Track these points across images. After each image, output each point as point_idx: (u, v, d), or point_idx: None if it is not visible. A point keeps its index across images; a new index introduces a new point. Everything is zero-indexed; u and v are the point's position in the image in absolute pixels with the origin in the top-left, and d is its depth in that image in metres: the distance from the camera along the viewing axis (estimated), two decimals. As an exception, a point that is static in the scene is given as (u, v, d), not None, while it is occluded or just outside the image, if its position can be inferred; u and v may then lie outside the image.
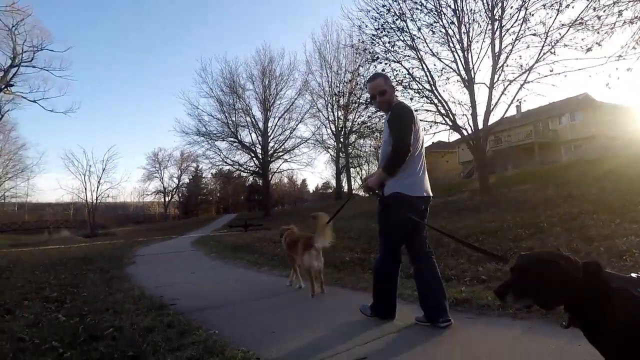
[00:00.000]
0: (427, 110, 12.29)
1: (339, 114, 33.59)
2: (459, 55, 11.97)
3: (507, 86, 11.72)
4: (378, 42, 11.97)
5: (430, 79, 11.93)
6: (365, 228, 9.51)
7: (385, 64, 11.95)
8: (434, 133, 12.65)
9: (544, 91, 21.96)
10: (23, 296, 4.48)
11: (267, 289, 4.54)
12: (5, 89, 27.04)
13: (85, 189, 45.48)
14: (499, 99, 11.88)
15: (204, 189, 58.21)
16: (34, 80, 52.34)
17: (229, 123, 33.01)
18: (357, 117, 29.52)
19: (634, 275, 1.15)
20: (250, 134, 34.24)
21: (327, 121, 34.62)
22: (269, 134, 33.81)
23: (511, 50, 11.42)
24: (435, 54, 11.95)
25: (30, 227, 40.75)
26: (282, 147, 34.58)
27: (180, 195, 57.66)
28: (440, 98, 12.03)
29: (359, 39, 12.94)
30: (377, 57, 11.93)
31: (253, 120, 33.85)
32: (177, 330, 2.71)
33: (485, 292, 3.33)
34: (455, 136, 13.82)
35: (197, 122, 33.60)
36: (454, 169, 33.00)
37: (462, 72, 12.02)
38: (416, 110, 10.94)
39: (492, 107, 11.90)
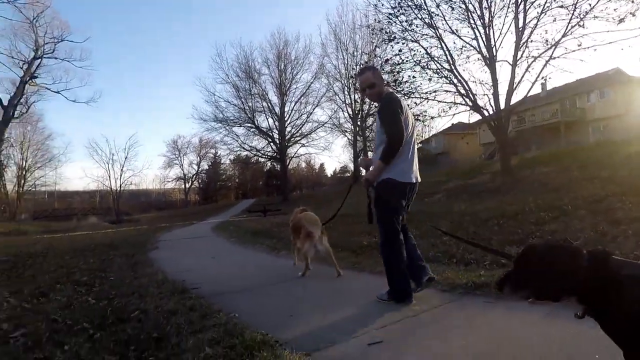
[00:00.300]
0: (447, 91, 11.95)
1: (356, 96, 33.12)
2: (479, 32, 11.52)
3: (531, 63, 11.24)
4: (395, 21, 11.62)
5: (449, 58, 11.55)
6: (383, 212, 9.49)
7: (403, 43, 11.64)
8: (454, 114, 12.32)
9: (572, 67, 20.97)
10: (56, 280, 4.71)
11: (284, 273, 4.60)
12: (30, 81, 27.92)
13: (109, 176, 47.06)
14: (522, 76, 11.42)
15: (223, 175, 59.10)
16: (57, 72, 53.61)
17: (246, 109, 33.17)
18: (374, 99, 29.01)
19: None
20: (267, 119, 34.35)
21: (344, 104, 34.24)
22: (285, 119, 33.81)
23: (536, 24, 10.88)
24: (455, 31, 11.52)
25: (59, 214, 42.57)
26: (299, 131, 34.60)
27: (199, 181, 58.82)
28: (460, 78, 11.66)
29: (375, 19, 12.60)
30: (394, 37, 11.60)
31: (269, 105, 33.89)
32: (198, 313, 2.80)
33: (505, 276, 3.27)
34: (476, 117, 13.46)
35: (214, 109, 33.96)
36: (474, 150, 32.27)
37: (483, 50, 11.58)
38: (435, 91, 10.70)
39: (515, 85, 11.46)
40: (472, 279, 3.25)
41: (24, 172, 41.31)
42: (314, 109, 34.51)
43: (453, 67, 11.53)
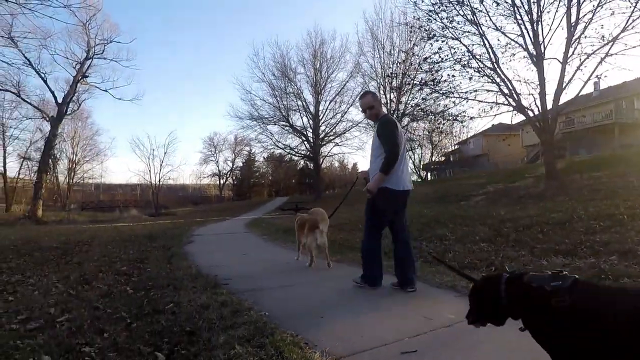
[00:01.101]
0: (488, 91, 11.41)
1: (392, 96, 32.59)
2: (526, 28, 10.89)
3: (584, 60, 10.46)
4: (435, 18, 11.26)
5: (492, 55, 11.03)
6: (417, 214, 9.23)
7: (442, 41, 11.25)
8: (495, 115, 11.78)
9: (631, 65, 19.41)
10: (98, 268, 4.96)
11: (316, 273, 4.57)
12: (82, 80, 29.72)
13: (150, 171, 49.30)
14: (573, 75, 10.68)
15: (257, 172, 60.27)
16: (105, 71, 57.22)
17: (281, 107, 33.52)
18: (410, 99, 28.47)
19: (549, 272, 1.28)
20: (302, 117, 34.53)
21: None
22: (320, 118, 33.83)
23: (591, 19, 10.11)
24: (499, 28, 10.98)
25: (104, 205, 45.14)
26: (333, 130, 34.50)
27: (234, 178, 60.34)
28: (503, 76, 11.10)
29: (414, 16, 12.28)
30: (434, 35, 11.25)
31: (304, 103, 34.04)
32: (230, 309, 2.81)
33: (551, 289, 3.05)
34: (520, 118, 12.79)
35: (249, 107, 34.55)
36: (516, 153, 30.77)
37: (530, 47, 10.94)
38: (475, 91, 10.29)
39: (564, 84, 10.74)
40: (513, 290, 3.05)
41: (74, 165, 44.27)
42: (348, 108, 34.30)
43: (496, 66, 11.00)
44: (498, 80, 11.18)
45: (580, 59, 10.52)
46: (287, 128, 34.46)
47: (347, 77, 33.50)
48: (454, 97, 11.66)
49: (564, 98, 11.47)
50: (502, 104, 11.40)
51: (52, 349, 2.18)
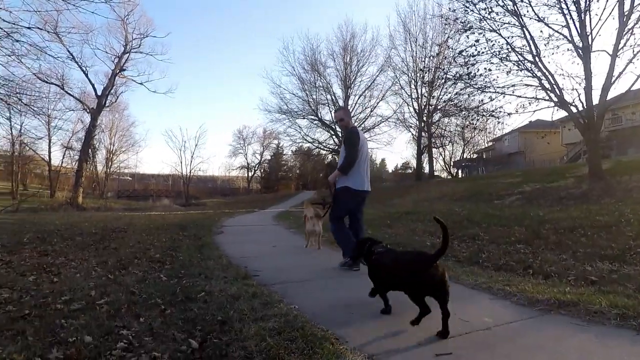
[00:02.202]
0: (527, 85, 10.86)
1: (423, 90, 31.85)
2: (573, 19, 10.23)
3: (637, 53, 9.73)
4: (472, 10, 10.81)
5: (534, 48, 10.46)
6: (448, 211, 9.00)
7: (479, 33, 10.78)
8: (534, 111, 11.17)
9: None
10: (134, 255, 5.15)
11: (343, 269, 4.53)
12: (120, 73, 30.97)
13: (181, 162, 50.96)
14: (624, 69, 9.95)
15: (284, 166, 60.83)
16: (141, 65, 59.44)
17: (310, 101, 33.62)
18: (442, 94, 27.71)
19: (382, 244, 2.89)
20: (331, 111, 34.44)
21: (410, 99, 33.09)
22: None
23: (647, 7, 9.38)
24: (542, 19, 10.38)
25: (138, 194, 47.14)
26: (362, 125, 34.21)
27: (262, 170, 61.21)
28: (544, 70, 10.52)
29: (449, 7, 11.85)
30: (470, 27, 10.79)
31: (333, 97, 33.97)
32: (260, 300, 2.83)
33: (598, 296, 2.87)
34: (561, 114, 12.12)
35: (279, 100, 34.89)
36: (555, 151, 29.29)
37: (576, 39, 10.30)
38: (513, 85, 9.82)
39: (613, 79, 10.04)
40: (555, 296, 2.90)
41: (111, 155, 46.49)
42: (378, 103, 33.96)
43: (537, 59, 10.43)
44: (539, 74, 10.61)
45: (633, 51, 9.78)
46: (315, 122, 34.56)
47: (377, 71, 33.17)
48: (489, 91, 11.19)
49: (612, 93, 10.75)
50: (542, 99, 10.82)
51: (93, 330, 2.27)
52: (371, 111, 33.95)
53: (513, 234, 5.81)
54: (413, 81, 32.18)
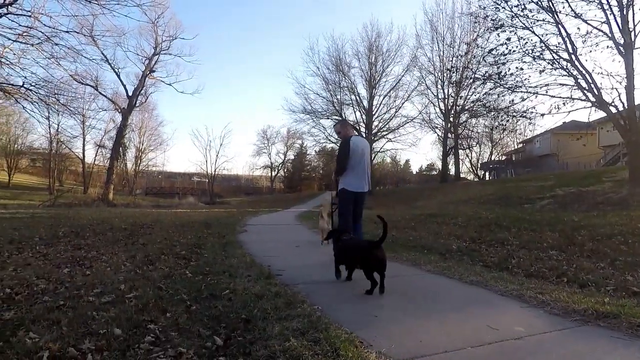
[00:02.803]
0: (562, 85, 10.38)
1: (450, 91, 31.18)
2: (613, 14, 9.70)
3: (684, 49, 9.11)
4: (503, 7, 10.44)
5: (570, 46, 9.99)
6: (474, 215, 8.75)
7: (511, 31, 10.40)
8: (569, 111, 10.64)
9: None
10: (161, 251, 5.28)
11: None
12: (150, 74, 32.03)
13: (206, 161, 52.07)
14: (670, 66, 9.33)
15: (308, 166, 61.10)
16: (170, 66, 61.23)
17: (334, 101, 33.58)
18: (470, 94, 27.03)
19: (348, 234, 3.81)
20: (355, 112, 34.33)
21: (436, 99, 32.50)
22: (373, 113, 33.38)
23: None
24: (579, 15, 9.90)
25: (165, 192, 48.55)
26: (387, 126, 33.92)
27: (285, 170, 61.71)
28: (581, 69, 10.02)
29: (479, 5, 11.51)
30: (501, 25, 10.44)
31: (358, 98, 33.80)
32: (283, 300, 2.82)
33: (641, 307, 2.68)
34: (598, 115, 11.53)
35: (303, 101, 35.06)
36: (591, 153, 27.91)
37: (617, 35, 9.75)
38: (547, 85, 9.37)
39: (656, 77, 9.44)
40: (593, 306, 2.74)
41: (140, 154, 48.12)
42: (403, 103, 33.52)
43: (573, 57, 9.95)
44: (575, 72, 10.11)
45: (679, 48, 9.17)
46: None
47: (403, 71, 32.75)
48: (521, 91, 10.78)
49: (657, 92, 10.10)
50: (578, 99, 10.31)
51: (122, 323, 2.33)
52: (396, 112, 33.56)
53: (545, 240, 5.57)
54: (440, 81, 31.61)
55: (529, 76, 10.52)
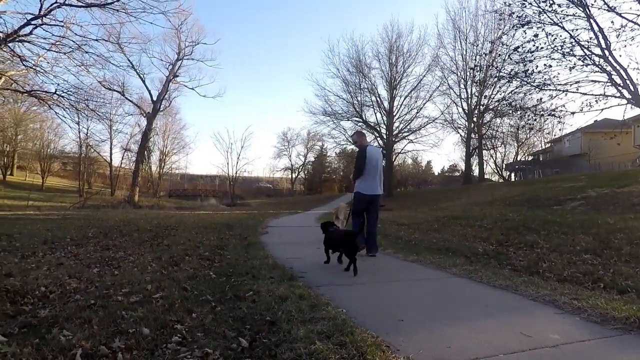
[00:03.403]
0: (594, 81, 9.92)
1: (474, 90, 30.52)
2: (653, 4, 9.17)
3: None
4: (530, 3, 10.10)
5: (603, 41, 9.55)
6: (501, 217, 8.49)
7: (538, 28, 10.03)
8: (601, 109, 10.16)
9: None
10: (185, 252, 5.37)
11: (391, 272, 4.41)
12: (173, 79, 32.88)
13: (227, 163, 52.88)
14: None
15: (328, 168, 61.08)
16: (192, 71, 62.75)
17: (354, 103, 33.48)
18: (495, 93, 26.36)
19: (336, 226, 4.97)
20: (375, 113, 34.14)
21: (459, 99, 31.92)
22: (394, 114, 33.07)
23: None
24: (613, 8, 9.44)
25: (188, 194, 49.50)
26: (408, 127, 33.53)
27: (305, 172, 61.92)
28: (615, 64, 9.55)
29: (504, 2, 11.17)
30: (528, 21, 10.09)
31: (378, 99, 33.58)
32: (307, 302, 2.79)
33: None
34: (634, 112, 10.95)
35: (323, 103, 35.10)
36: (626, 153, 26.63)
37: (655, 28, 9.23)
38: (577, 82, 8.93)
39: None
40: (635, 314, 2.58)
41: (164, 157, 49.45)
42: (424, 104, 33.07)
43: (607, 52, 9.50)
44: (608, 68, 9.64)
45: None
46: (360, 124, 34.30)
47: (424, 71, 32.34)
48: (549, 89, 10.38)
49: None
50: (612, 96, 9.83)
51: (150, 323, 2.36)
52: (417, 112, 33.14)
53: (578, 243, 5.33)
54: (462, 80, 31.02)
55: (558, 73, 10.16)
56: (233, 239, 6.94)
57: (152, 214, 15.29)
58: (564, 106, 10.29)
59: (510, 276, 4.01)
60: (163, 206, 29.88)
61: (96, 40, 13.94)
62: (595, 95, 9.90)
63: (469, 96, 31.21)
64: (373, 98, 33.55)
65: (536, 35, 9.85)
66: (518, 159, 42.28)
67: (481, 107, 30.19)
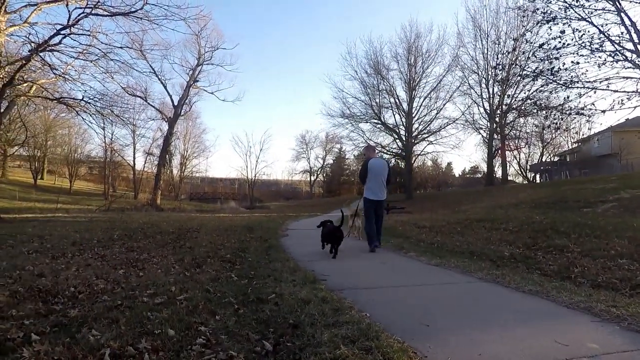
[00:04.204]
0: (626, 78, 9.49)
1: (496, 89, 29.81)
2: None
3: None
4: (556, -2, 9.75)
5: (635, 35, 9.13)
6: (527, 219, 8.21)
7: (564, 23, 9.68)
8: (634, 107, 9.69)
9: None
10: (207, 254, 5.42)
11: (414, 275, 4.32)
12: (193, 84, 33.53)
13: (247, 166, 53.49)
14: None
15: (347, 170, 60.81)
16: (212, 76, 63.87)
17: (373, 104, 33.24)
18: (518, 92, 25.66)
19: (331, 222, 5.82)
20: (394, 115, 33.80)
21: (480, 98, 31.21)
22: (413, 115, 32.66)
23: None
24: (644, 1, 9.04)
25: (208, 197, 50.29)
26: (427, 128, 33.03)
27: (324, 175, 61.89)
28: (648, 59, 9.11)
29: (528, -3, 10.84)
30: (554, 17, 9.75)
31: (397, 101, 33.24)
32: (331, 306, 2.75)
33: None
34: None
35: (341, 105, 35.05)
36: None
37: (691, 21, 8.74)
38: (607, 79, 8.51)
39: None
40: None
41: (185, 160, 50.39)
42: (444, 105, 32.51)
43: (639, 47, 9.08)
44: (641, 64, 9.21)
45: None
46: (378, 126, 34.07)
47: (444, 71, 31.85)
48: (577, 87, 9.98)
49: None
50: (644, 93, 9.37)
51: (175, 324, 2.38)
52: (437, 113, 32.60)
53: (612, 247, 5.09)
54: (484, 80, 30.35)
55: (586, 70, 9.70)
56: (254, 242, 6.98)
57: (173, 217, 15.59)
58: (593, 104, 9.87)
59: (540, 281, 3.85)
60: (184, 209, 30.47)
61: (120, 47, 14.36)
62: (628, 92, 9.46)
63: (491, 96, 30.50)
64: (392, 99, 33.26)
65: (562, 32, 9.50)
66: (543, 159, 40.97)
67: (504, 106, 29.43)
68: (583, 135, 35.97)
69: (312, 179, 62.06)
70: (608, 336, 2.36)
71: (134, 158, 43.83)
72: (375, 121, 33.66)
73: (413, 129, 32.77)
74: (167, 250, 5.89)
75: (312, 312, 2.62)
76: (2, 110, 12.66)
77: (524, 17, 12.23)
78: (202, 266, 4.55)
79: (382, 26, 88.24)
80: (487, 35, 29.32)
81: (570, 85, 10.16)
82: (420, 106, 32.81)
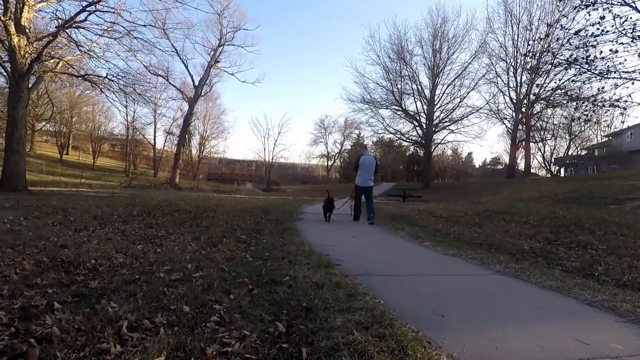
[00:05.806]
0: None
1: (524, 78, 28.72)
2: None
3: None
4: (596, -20, 9.16)
5: (681, 22, 8.52)
6: (550, 214, 7.97)
7: (604, 9, 9.13)
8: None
9: None
10: (223, 234, 5.49)
11: (430, 265, 4.26)
12: (214, 65, 33.59)
13: (264, 149, 53.73)
14: None
15: (364, 156, 60.31)
16: (233, 57, 63.79)
17: (394, 91, 32.62)
18: (548, 81, 24.61)
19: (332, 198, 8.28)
20: (415, 102, 33.09)
21: (507, 87, 30.17)
22: (435, 102, 31.88)
23: None
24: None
25: (225, 178, 50.89)
26: (449, 116, 32.23)
27: (341, 160, 61.65)
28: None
29: (565, -20, 10.27)
30: (594, 1, 9.20)
31: (419, 87, 32.48)
32: (344, 291, 2.73)
33: None
34: None
35: (362, 90, 34.49)
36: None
37: None
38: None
39: None
40: None
41: (203, 141, 50.95)
42: (468, 93, 31.55)
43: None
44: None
45: None
46: (399, 112, 33.48)
47: (470, 58, 30.79)
48: (613, 77, 9.46)
49: None
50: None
51: (190, 301, 2.41)
52: (460, 101, 31.69)
53: (640, 246, 4.88)
54: (512, 68, 29.29)
55: (625, 60, 9.16)
56: (269, 224, 7.02)
57: (191, 196, 15.87)
58: (629, 96, 9.37)
59: (562, 277, 3.73)
60: (202, 189, 31.02)
61: (144, 25, 14.46)
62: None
63: (518, 85, 29.43)
64: (414, 86, 32.50)
65: (602, 17, 8.97)
66: (569, 153, 39.58)
67: (531, 96, 28.37)
68: (615, 128, 34.42)
69: (329, 163, 61.94)
70: (633, 337, 2.27)
71: (155, 137, 44.71)
72: (396, 107, 33.08)
73: (434, 117, 32.05)
74: (184, 229, 5.99)
75: (326, 296, 2.60)
76: (30, 85, 12.99)
77: (560, 1, 11.61)
78: (218, 245, 4.60)
79: (408, 10, 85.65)
80: (519, 21, 28.13)
81: (605, 75, 9.65)
82: (442, 93, 32.00)
